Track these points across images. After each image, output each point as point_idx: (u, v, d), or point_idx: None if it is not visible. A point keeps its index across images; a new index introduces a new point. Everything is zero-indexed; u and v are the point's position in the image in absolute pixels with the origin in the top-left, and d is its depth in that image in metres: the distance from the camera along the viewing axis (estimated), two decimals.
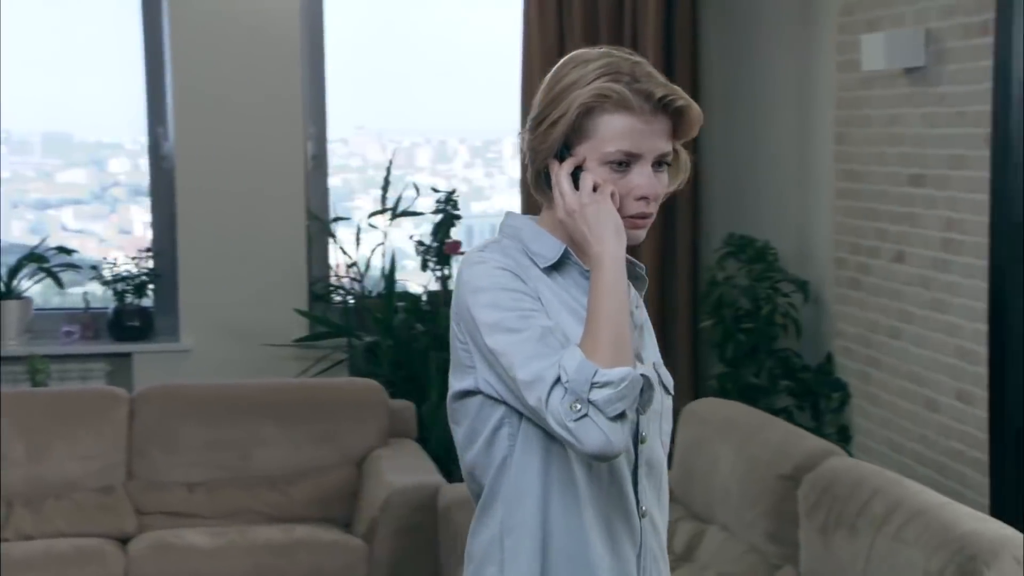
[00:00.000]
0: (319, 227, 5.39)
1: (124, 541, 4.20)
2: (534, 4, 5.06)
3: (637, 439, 1.82)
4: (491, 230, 5.38)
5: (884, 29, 4.24)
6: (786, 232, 4.95)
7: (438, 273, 5.32)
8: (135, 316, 5.26)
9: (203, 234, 5.18)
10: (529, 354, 1.71)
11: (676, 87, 1.80)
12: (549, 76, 1.83)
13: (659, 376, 1.87)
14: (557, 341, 1.72)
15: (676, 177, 1.87)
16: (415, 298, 5.31)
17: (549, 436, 1.74)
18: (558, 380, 1.68)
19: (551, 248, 1.82)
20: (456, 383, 1.83)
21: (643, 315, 1.91)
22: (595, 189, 1.78)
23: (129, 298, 5.27)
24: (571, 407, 1.67)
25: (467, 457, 1.84)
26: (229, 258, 5.19)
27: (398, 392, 4.89)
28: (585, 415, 1.67)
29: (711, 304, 4.93)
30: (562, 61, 1.84)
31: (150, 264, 5.30)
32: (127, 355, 5.16)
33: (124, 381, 5.05)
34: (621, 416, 1.67)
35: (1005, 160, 3.55)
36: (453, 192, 5.35)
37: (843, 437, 4.59)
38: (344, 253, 5.40)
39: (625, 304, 1.72)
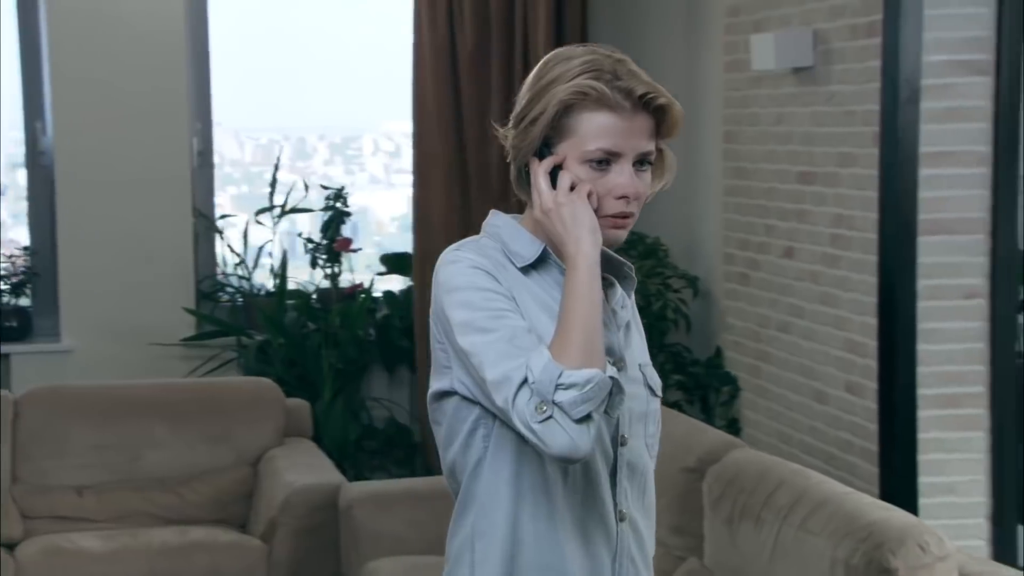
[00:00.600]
0: (205, 224, 5.32)
1: (11, 547, 4.10)
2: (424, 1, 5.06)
3: (617, 441, 1.81)
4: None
5: (771, 30, 4.33)
6: (676, 229, 5.03)
7: (328, 270, 5.29)
8: (12, 316, 5.14)
9: (84, 232, 5.08)
10: (498, 354, 1.70)
11: (659, 86, 1.78)
12: (532, 73, 1.82)
13: (644, 377, 1.87)
14: (530, 341, 1.71)
15: (661, 177, 1.85)
16: (306, 296, 5.27)
17: (522, 438, 1.71)
18: (525, 381, 1.67)
19: (530, 247, 1.81)
20: (434, 383, 1.82)
21: (629, 314, 1.89)
22: (573, 188, 1.77)
23: (6, 298, 5.15)
24: (537, 408, 1.66)
25: (447, 457, 1.84)
26: (112, 256, 5.09)
27: (291, 391, 4.85)
28: (550, 416, 1.65)
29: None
30: (545, 58, 1.82)
31: (28, 263, 5.18)
32: (4, 356, 5.04)
33: (1, 384, 4.93)
34: (587, 418, 1.66)
35: (893, 158, 3.65)
36: (343, 189, 5.33)
37: (732, 430, 4.68)
38: (232, 251, 5.34)
39: (597, 305, 1.71)
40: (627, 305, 1.89)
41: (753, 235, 4.51)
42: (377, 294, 5.39)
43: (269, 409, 4.50)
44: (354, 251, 5.31)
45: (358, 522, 3.87)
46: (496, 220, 1.87)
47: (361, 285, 5.27)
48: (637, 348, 1.89)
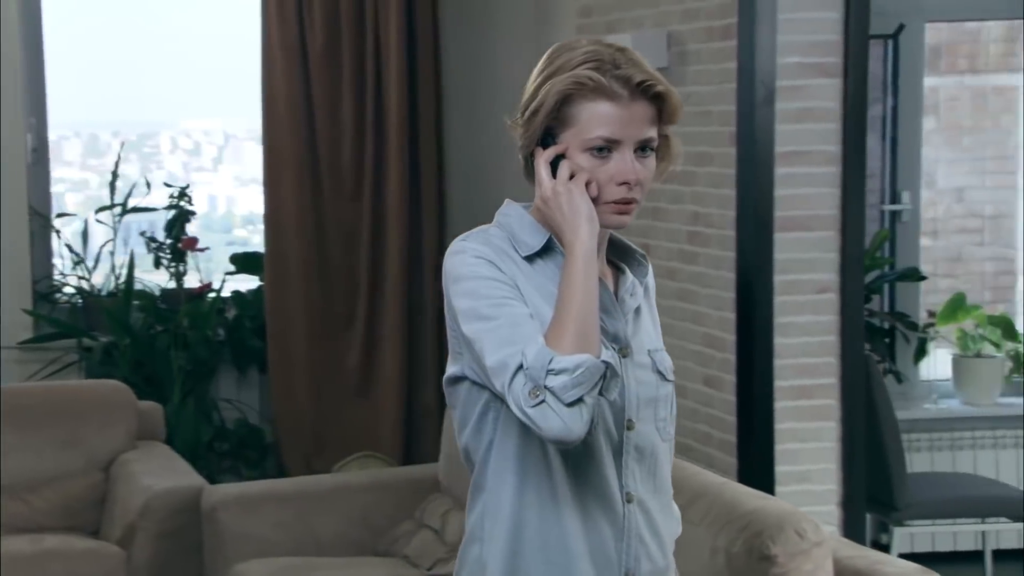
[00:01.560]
0: (41, 223, 5.16)
1: None
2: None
3: (623, 424, 1.87)
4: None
5: (624, 31, 4.41)
6: None
7: (172, 270, 5.19)
8: None
9: None
10: (498, 341, 1.76)
11: (657, 74, 1.84)
12: (537, 67, 1.87)
13: (654, 363, 1.92)
14: (531, 328, 1.77)
15: (666, 163, 1.90)
16: (151, 297, 5.16)
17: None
18: (520, 367, 1.73)
19: (535, 237, 1.86)
20: (449, 368, 1.90)
21: (638, 301, 1.93)
22: (573, 177, 1.83)
23: None
24: (531, 393, 1.73)
25: (461, 440, 1.91)
26: None
27: (139, 394, 4.74)
28: (543, 401, 1.72)
29: None
30: (550, 50, 1.88)
31: None
32: None
33: None
34: (578, 402, 1.72)
35: (749, 157, 3.76)
36: (187, 187, 5.23)
37: None
38: (71, 251, 5.19)
39: (593, 292, 1.77)
40: (636, 292, 1.94)
41: None
42: (226, 294, 5.30)
43: (120, 412, 4.40)
44: (201, 250, 5.22)
45: (223, 525, 3.81)
46: (507, 210, 1.93)
47: (210, 285, 5.19)
48: (647, 334, 1.94)
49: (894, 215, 5.15)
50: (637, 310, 1.94)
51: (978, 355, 5.09)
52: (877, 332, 4.98)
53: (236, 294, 5.30)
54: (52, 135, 5.36)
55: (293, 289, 5.07)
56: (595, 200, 1.84)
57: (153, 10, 5.48)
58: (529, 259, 1.86)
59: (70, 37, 5.29)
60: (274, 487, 4.08)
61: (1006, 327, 5.15)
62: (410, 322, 5.08)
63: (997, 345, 5.12)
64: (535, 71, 1.88)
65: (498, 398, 1.81)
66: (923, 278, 5.04)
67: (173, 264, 5.19)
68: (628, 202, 1.85)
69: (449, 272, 1.85)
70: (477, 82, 5.25)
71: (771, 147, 3.72)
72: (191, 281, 5.21)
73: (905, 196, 5.16)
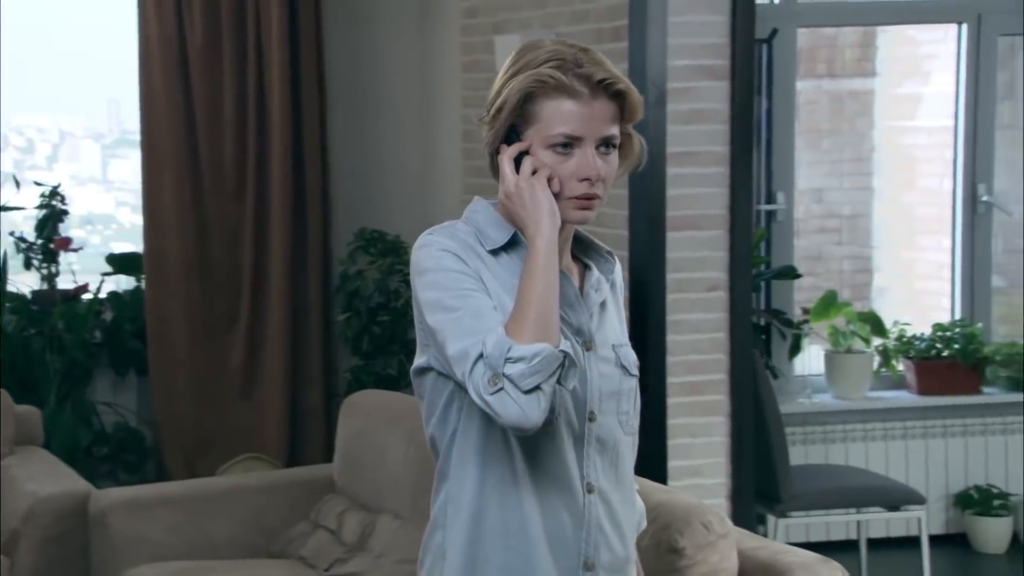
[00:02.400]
0: None
1: None
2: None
3: (585, 416, 1.91)
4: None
5: (511, 32, 4.44)
6: (416, 227, 5.05)
7: (44, 271, 5.07)
8: None
9: None
10: (460, 331, 1.81)
11: (618, 73, 1.89)
12: (503, 65, 1.90)
13: (618, 357, 1.95)
14: (494, 319, 1.82)
15: (629, 161, 1.95)
16: (22, 299, 5.03)
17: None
18: (481, 355, 1.78)
19: (501, 232, 1.91)
20: (416, 360, 1.94)
21: (603, 296, 1.97)
22: (536, 173, 1.87)
23: None
24: (490, 381, 1.78)
25: (428, 429, 1.95)
26: None
27: (14, 398, 4.60)
28: (501, 388, 1.77)
29: (345, 298, 4.98)
30: (516, 50, 1.92)
31: None
32: None
33: None
34: (536, 390, 1.77)
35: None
36: (58, 186, 5.11)
37: None
38: None
39: (552, 284, 1.82)
40: (602, 288, 1.98)
41: None
42: (103, 295, 5.18)
43: None
44: (75, 250, 5.11)
45: (112, 529, 3.74)
46: (475, 206, 1.96)
47: (86, 286, 5.07)
48: (612, 329, 1.98)
49: (769, 215, 5.28)
50: (603, 305, 1.98)
51: (849, 351, 5.25)
52: (755, 329, 5.10)
53: (113, 295, 5.19)
54: None
55: (174, 289, 4.99)
56: (557, 195, 1.88)
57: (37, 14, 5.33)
58: (494, 253, 1.90)
59: None
60: (165, 490, 4.02)
61: (875, 323, 5.32)
62: (295, 322, 5.04)
63: (866, 341, 5.29)
64: (501, 70, 1.92)
65: (463, 388, 1.85)
66: (799, 276, 5.18)
67: (45, 265, 5.07)
68: (590, 198, 1.89)
69: (415, 265, 1.89)
70: (361, 80, 5.23)
71: (663, 148, 3.80)
72: (63, 282, 5.09)
73: (780, 196, 5.30)
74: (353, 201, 5.19)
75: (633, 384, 1.99)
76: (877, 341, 5.33)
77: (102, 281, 5.15)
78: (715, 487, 3.89)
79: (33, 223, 5.13)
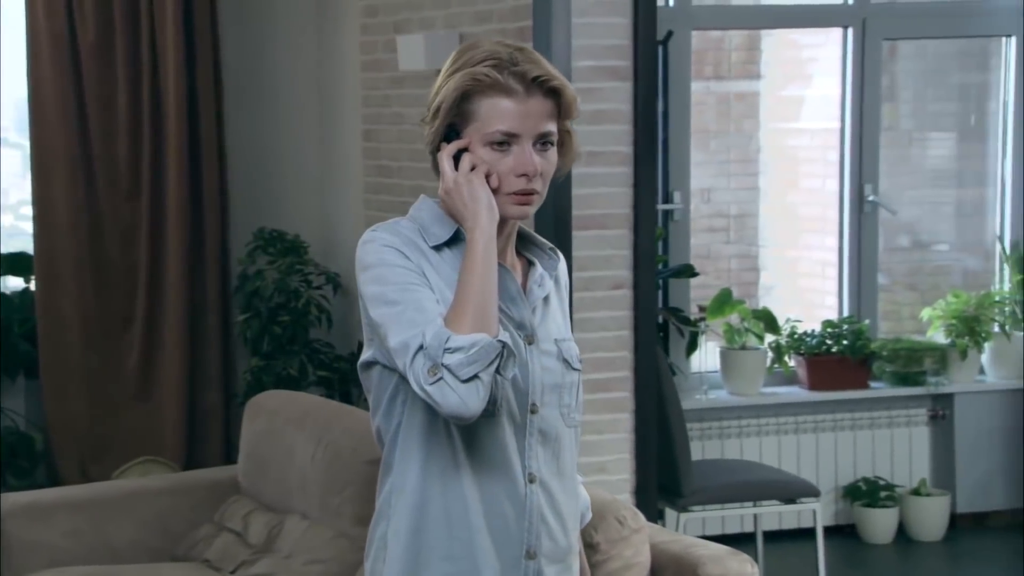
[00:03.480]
0: None
1: None
2: None
3: (527, 408, 1.95)
4: None
5: (412, 31, 4.44)
6: (315, 226, 5.05)
7: None
8: None
9: None
10: (402, 323, 1.85)
11: (554, 71, 1.93)
12: (444, 66, 1.95)
13: (560, 351, 1.99)
14: (435, 312, 1.86)
15: (568, 158, 1.99)
16: None
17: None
18: (421, 347, 1.82)
19: (444, 228, 1.95)
20: (363, 354, 1.99)
21: (545, 291, 2.01)
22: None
23: None
24: (429, 371, 1.82)
25: (374, 422, 1.99)
26: None
27: None
28: (441, 378, 1.82)
29: (244, 298, 4.93)
30: (455, 52, 1.97)
31: None
32: None
33: None
34: (474, 379, 1.81)
35: None
36: None
37: None
38: None
39: (490, 277, 1.86)
40: (545, 284, 2.02)
41: None
42: None
43: None
44: None
45: (11, 535, 3.65)
46: (420, 204, 2.01)
47: None
48: (555, 324, 2.02)
49: (667, 214, 5.36)
50: (546, 300, 2.02)
51: (743, 348, 5.35)
52: None
53: (1, 296, 5.07)
54: None
55: (66, 290, 4.89)
56: (496, 191, 1.92)
57: None
58: (438, 249, 1.94)
59: None
60: (65, 494, 3.93)
61: (768, 320, 5.42)
62: (192, 322, 4.97)
63: (760, 338, 5.40)
64: (442, 70, 1.96)
65: (406, 380, 1.89)
66: (696, 274, 5.26)
67: None
68: (528, 193, 1.93)
69: (359, 261, 1.93)
70: (259, 78, 5.19)
71: None
72: None
73: (676, 196, 5.38)
74: (252, 200, 5.15)
75: (575, 378, 2.03)
76: (770, 338, 5.44)
77: None
78: (619, 483, 3.94)
79: None
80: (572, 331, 2.07)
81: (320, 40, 5.10)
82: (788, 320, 5.47)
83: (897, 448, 5.51)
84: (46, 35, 4.85)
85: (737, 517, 5.06)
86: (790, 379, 5.49)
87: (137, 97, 4.91)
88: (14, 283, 5.16)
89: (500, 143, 1.91)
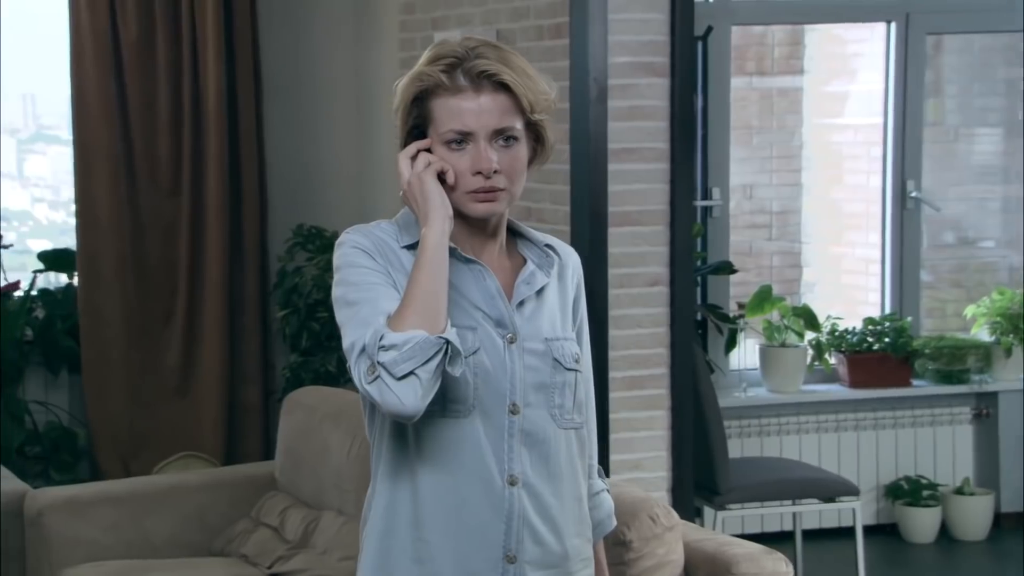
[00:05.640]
0: None
1: None
2: None
3: (506, 408, 1.92)
4: None
5: (450, 28, 4.44)
6: (353, 222, 5.03)
7: None
8: None
9: None
10: (354, 324, 1.84)
11: (510, 66, 1.89)
12: None
13: (550, 350, 1.96)
14: (389, 312, 1.85)
15: (543, 151, 1.97)
16: None
17: None
18: (364, 347, 1.82)
19: (417, 230, 1.92)
20: None
21: (534, 289, 1.97)
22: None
23: None
24: (368, 370, 1.80)
25: (365, 423, 2.00)
26: None
27: None
28: (378, 376, 1.80)
29: (283, 295, 4.96)
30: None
31: None
32: None
33: None
34: (409, 376, 1.79)
35: (583, 154, 3.84)
36: None
37: None
38: None
39: (439, 275, 1.84)
40: (534, 282, 1.98)
41: None
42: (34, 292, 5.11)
43: None
44: (5, 247, 5.03)
45: (50, 530, 3.69)
46: (406, 207, 1.99)
47: (18, 283, 5.00)
48: (548, 322, 1.98)
49: (706, 211, 5.33)
50: (540, 298, 1.98)
51: (783, 345, 5.31)
52: None
53: (45, 292, 5.12)
54: None
55: (108, 287, 4.93)
56: (455, 190, 1.90)
57: None
58: (410, 249, 1.93)
59: None
60: (104, 489, 3.97)
61: (808, 318, 5.38)
62: (231, 319, 5.00)
63: (800, 335, 5.36)
64: None
65: None
66: (735, 271, 5.23)
67: None
68: (488, 191, 1.91)
69: (333, 263, 1.94)
70: (298, 76, 5.20)
71: (604, 144, 3.82)
72: None
73: (716, 192, 5.35)
74: (290, 197, 5.17)
75: (569, 378, 1.99)
76: (810, 335, 5.40)
77: (33, 278, 5.07)
78: (656, 480, 3.92)
79: None
80: (574, 328, 2.04)
81: (358, 37, 5.11)
82: (828, 317, 5.43)
83: (940, 446, 5.46)
84: (89, 33, 4.89)
85: (777, 516, 5.03)
86: (831, 377, 5.45)
87: (178, 95, 4.94)
88: (59, 280, 5.22)
89: (456, 142, 1.89)
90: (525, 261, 2.01)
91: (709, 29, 5.24)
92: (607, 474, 3.76)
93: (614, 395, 3.87)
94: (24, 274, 5.14)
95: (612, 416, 3.86)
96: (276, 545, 3.65)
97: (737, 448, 5.20)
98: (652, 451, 3.92)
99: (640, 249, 3.87)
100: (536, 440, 1.94)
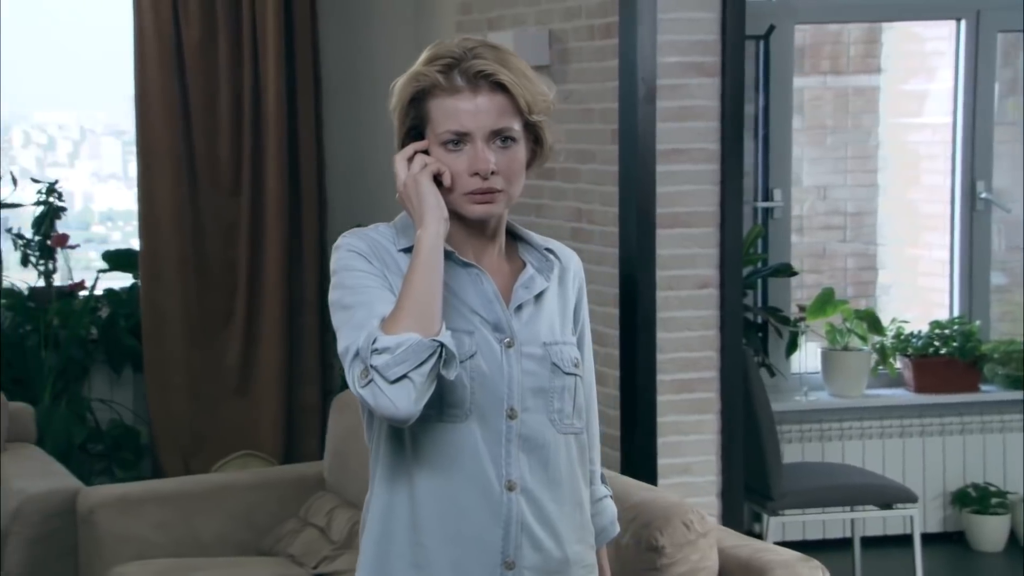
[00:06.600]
0: None
1: None
2: None
3: (504, 413, 1.90)
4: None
5: (504, 28, 4.43)
6: None
7: (41, 268, 5.08)
8: None
9: None
10: (348, 328, 1.83)
11: (508, 65, 1.87)
12: None
13: (549, 355, 1.94)
14: (383, 315, 1.84)
15: (544, 152, 1.95)
16: (20, 295, 5.03)
17: None
18: (357, 350, 1.81)
19: (415, 233, 1.90)
20: None
21: (533, 293, 1.96)
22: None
23: None
24: (361, 374, 1.79)
25: (364, 427, 1.98)
26: None
27: (9, 395, 4.61)
28: (371, 380, 1.78)
29: None
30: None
31: None
32: None
33: None
34: (403, 379, 1.77)
35: (632, 155, 3.81)
36: (55, 183, 5.12)
37: None
38: None
39: (433, 279, 1.83)
40: (533, 286, 1.96)
41: None
42: (99, 292, 5.19)
43: None
44: (72, 247, 5.12)
45: (100, 527, 3.74)
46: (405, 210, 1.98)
47: (82, 283, 5.08)
48: (548, 327, 1.97)
49: (766, 212, 5.27)
50: (539, 302, 1.97)
51: (845, 348, 5.23)
52: (751, 327, 5.09)
53: (109, 292, 5.20)
54: None
55: (169, 286, 5.00)
56: (452, 191, 1.89)
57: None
58: (407, 252, 1.91)
59: None
60: (154, 487, 4.02)
61: (872, 321, 5.29)
62: (290, 318, 5.04)
63: (863, 338, 5.27)
64: None
65: None
66: (795, 273, 5.16)
67: (42, 261, 5.08)
68: (485, 192, 1.89)
69: (330, 266, 1.94)
70: (356, 76, 5.23)
71: (652, 145, 3.78)
72: (61, 279, 5.10)
73: (777, 193, 5.28)
74: (349, 197, 5.19)
75: (568, 382, 1.96)
76: (875, 339, 5.31)
77: (97, 278, 5.16)
78: (705, 485, 3.88)
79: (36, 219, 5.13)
80: (576, 333, 2.02)
81: (417, 38, 5.12)
82: (894, 320, 5.34)
83: (1009, 453, 5.33)
84: (152, 35, 4.96)
85: (839, 522, 4.95)
86: (895, 381, 5.35)
87: (238, 96, 4.99)
88: (123, 279, 5.29)
89: (453, 143, 1.88)
90: (525, 265, 1.99)
91: (771, 28, 5.18)
92: (653, 482, 3.74)
93: (662, 398, 3.83)
94: (109, 275, 5.23)
95: (660, 420, 3.83)
96: (322, 545, 3.67)
97: (798, 453, 5.12)
98: (701, 455, 3.88)
99: (689, 251, 3.83)
100: (535, 445, 1.92)
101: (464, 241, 1.94)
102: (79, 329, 4.97)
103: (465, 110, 1.87)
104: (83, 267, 5.28)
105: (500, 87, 1.87)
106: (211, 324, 5.06)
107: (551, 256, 2.01)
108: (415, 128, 1.92)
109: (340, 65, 5.20)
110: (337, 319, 1.87)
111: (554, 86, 1.99)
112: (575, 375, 1.97)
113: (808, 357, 5.34)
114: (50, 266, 5.09)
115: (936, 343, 5.29)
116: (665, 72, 3.79)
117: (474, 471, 1.89)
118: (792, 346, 5.22)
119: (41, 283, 5.09)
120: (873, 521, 4.87)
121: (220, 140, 5.00)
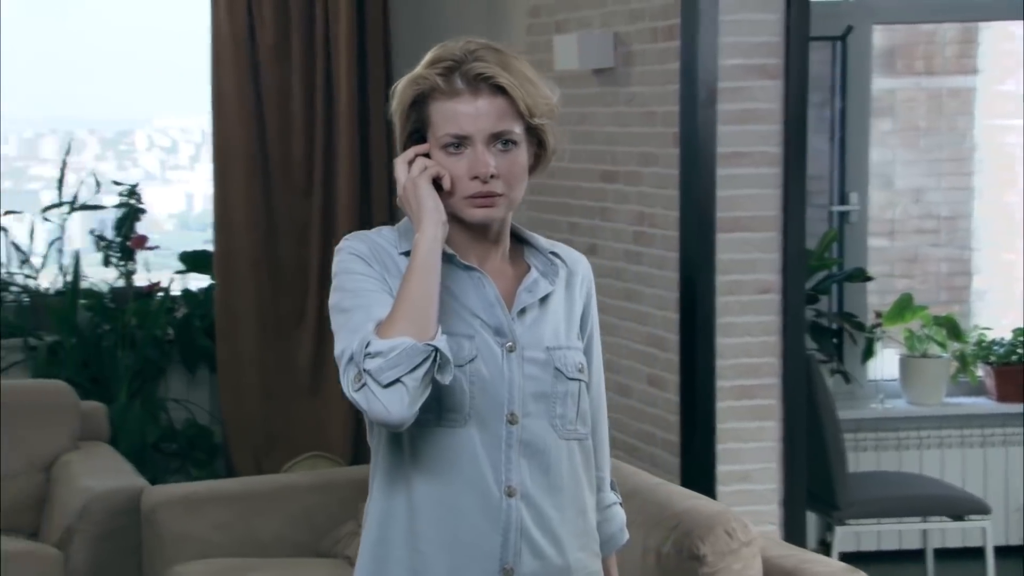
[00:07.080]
0: None
1: None
2: None
3: (504, 418, 1.89)
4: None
5: (571, 31, 4.41)
6: None
7: (122, 268, 5.17)
8: None
9: None
10: (345, 331, 1.83)
11: (509, 68, 1.86)
12: None
13: (551, 359, 1.92)
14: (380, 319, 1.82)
15: (546, 156, 1.95)
16: (99, 295, 5.13)
17: None
18: (352, 354, 1.80)
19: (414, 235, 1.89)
20: None
21: (537, 297, 1.94)
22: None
23: None
24: (354, 378, 1.78)
25: (367, 431, 1.97)
26: None
27: (85, 393, 4.71)
28: (364, 384, 1.77)
29: None
30: None
31: None
32: None
33: None
34: (396, 383, 1.76)
35: (692, 158, 3.76)
36: (136, 186, 5.22)
37: None
38: (17, 249, 5.16)
39: (430, 282, 1.81)
40: (537, 290, 1.95)
41: (557, 232, 4.58)
42: (176, 292, 5.27)
43: (62, 412, 4.36)
44: (150, 249, 5.21)
45: (163, 526, 3.79)
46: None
47: (159, 284, 5.16)
48: (552, 331, 1.95)
49: (843, 216, 5.18)
50: (543, 306, 1.94)
51: (924, 355, 5.12)
52: (825, 332, 5.00)
53: (186, 292, 5.28)
54: (28, 133, 5.33)
55: (243, 287, 5.05)
56: (452, 195, 1.87)
57: (124, 6, 5.46)
58: (408, 255, 1.89)
59: (39, 33, 5.27)
60: (215, 487, 4.06)
61: (951, 327, 5.18)
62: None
63: (943, 345, 5.16)
64: None
65: None
66: (869, 279, 5.06)
67: (122, 262, 5.17)
68: (485, 196, 1.87)
69: (332, 270, 1.93)
70: None
71: (713, 148, 3.73)
72: (142, 279, 5.20)
73: (853, 197, 5.19)
74: None
75: (571, 387, 1.94)
76: (955, 346, 5.19)
77: (172, 279, 5.24)
78: (765, 493, 3.82)
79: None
80: (583, 338, 1.99)
81: (488, 40, 5.11)
82: (975, 327, 5.21)
83: None
84: (228, 37, 5.02)
85: (915, 533, 4.85)
86: (977, 389, 5.23)
87: (311, 97, 5.03)
88: (201, 280, 5.37)
89: (453, 146, 1.87)
90: (529, 268, 1.97)
91: (849, 29, 5.09)
92: (712, 489, 3.69)
93: (721, 405, 3.78)
94: (196, 276, 5.32)
95: (719, 426, 3.77)
96: None
97: (873, 462, 5.03)
98: (762, 463, 3.82)
99: (750, 256, 3.77)
100: (536, 450, 1.90)
101: (467, 244, 1.92)
102: (155, 329, 5.05)
103: (465, 113, 1.86)
104: (155, 267, 5.37)
105: (500, 90, 1.86)
106: (283, 324, 5.10)
107: (557, 260, 1.99)
108: (417, 131, 1.92)
109: (412, 66, 5.18)
110: (335, 322, 1.87)
111: (557, 89, 1.96)
112: (579, 380, 1.95)
113: (885, 364, 5.24)
114: (129, 267, 5.18)
115: (1020, 350, 5.15)
116: (727, 75, 3.74)
117: (473, 476, 1.87)
118: (868, 353, 5.12)
119: (121, 283, 5.18)
120: (952, 533, 4.76)
121: (293, 141, 5.04)
